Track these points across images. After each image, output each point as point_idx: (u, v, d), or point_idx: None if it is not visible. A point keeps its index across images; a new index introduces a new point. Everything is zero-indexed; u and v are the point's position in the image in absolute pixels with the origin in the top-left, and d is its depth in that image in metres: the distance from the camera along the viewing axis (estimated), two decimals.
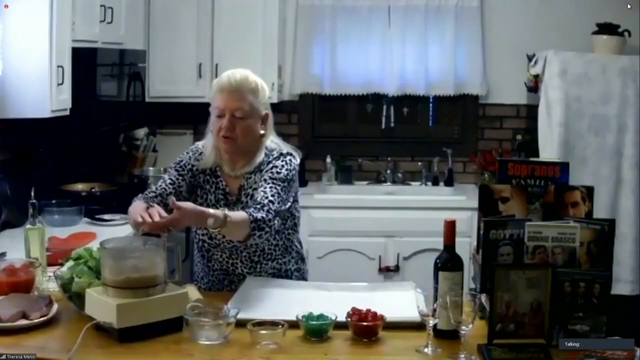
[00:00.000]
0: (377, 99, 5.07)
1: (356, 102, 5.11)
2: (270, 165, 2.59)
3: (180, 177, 2.66)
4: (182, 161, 2.70)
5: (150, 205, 2.41)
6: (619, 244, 3.61)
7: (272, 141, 2.67)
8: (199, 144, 2.74)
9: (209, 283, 2.75)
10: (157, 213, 2.29)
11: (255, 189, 2.58)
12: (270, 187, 2.52)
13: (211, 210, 2.33)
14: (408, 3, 4.87)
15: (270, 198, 2.48)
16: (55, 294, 2.33)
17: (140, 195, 2.63)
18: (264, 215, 2.42)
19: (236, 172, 2.65)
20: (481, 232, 2.21)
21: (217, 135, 2.57)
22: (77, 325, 2.09)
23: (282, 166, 2.59)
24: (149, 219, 2.26)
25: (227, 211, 2.35)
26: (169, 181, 2.65)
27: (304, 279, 2.82)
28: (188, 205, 2.32)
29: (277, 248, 2.69)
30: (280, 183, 2.54)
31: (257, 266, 2.68)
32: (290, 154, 2.65)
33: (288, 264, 2.74)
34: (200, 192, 2.68)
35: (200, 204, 2.53)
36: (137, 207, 2.46)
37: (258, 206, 2.45)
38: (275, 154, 2.63)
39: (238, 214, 2.40)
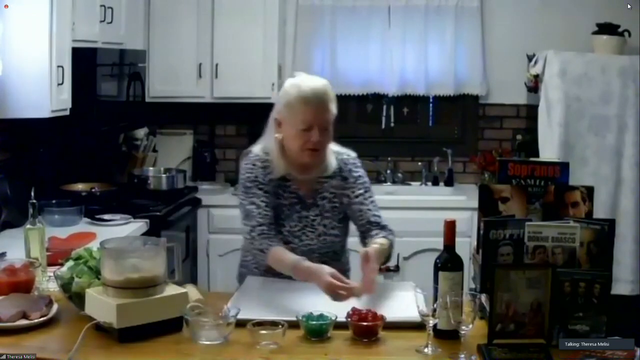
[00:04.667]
0: (377, 99, 5.06)
1: (356, 102, 5.11)
2: (352, 172, 2.69)
3: (268, 194, 2.60)
4: (257, 178, 2.61)
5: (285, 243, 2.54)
6: (619, 244, 3.62)
7: None
8: (258, 152, 2.67)
9: None
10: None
11: (337, 195, 2.65)
12: (371, 201, 2.67)
13: (374, 263, 2.37)
14: (408, 3, 4.87)
15: (377, 213, 2.65)
16: (55, 294, 2.32)
17: (256, 238, 2.55)
18: (390, 230, 2.65)
19: (307, 176, 2.64)
20: (481, 232, 2.21)
21: (303, 149, 2.54)
22: (77, 325, 2.09)
23: (363, 171, 2.71)
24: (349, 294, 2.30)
25: (376, 248, 2.48)
26: (264, 205, 2.58)
27: None
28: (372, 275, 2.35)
29: (342, 247, 2.76)
30: (371, 190, 2.70)
31: None
32: (354, 154, 2.75)
33: (346, 264, 2.79)
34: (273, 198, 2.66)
35: (274, 208, 2.59)
36: (285, 257, 2.48)
37: (380, 227, 2.63)
38: (345, 156, 2.70)
39: (380, 249, 2.51)
